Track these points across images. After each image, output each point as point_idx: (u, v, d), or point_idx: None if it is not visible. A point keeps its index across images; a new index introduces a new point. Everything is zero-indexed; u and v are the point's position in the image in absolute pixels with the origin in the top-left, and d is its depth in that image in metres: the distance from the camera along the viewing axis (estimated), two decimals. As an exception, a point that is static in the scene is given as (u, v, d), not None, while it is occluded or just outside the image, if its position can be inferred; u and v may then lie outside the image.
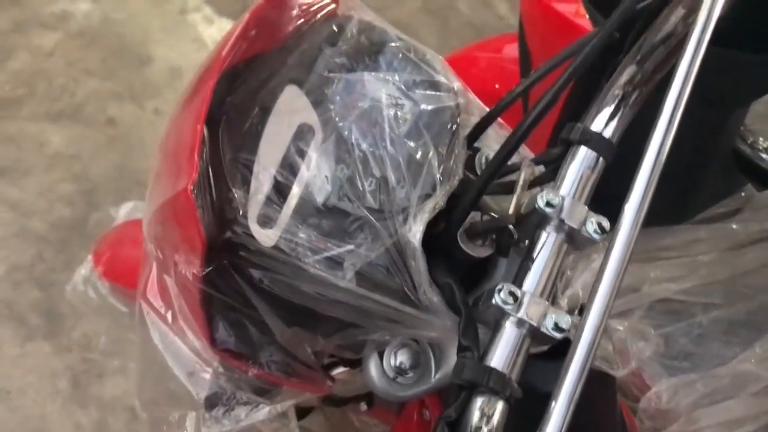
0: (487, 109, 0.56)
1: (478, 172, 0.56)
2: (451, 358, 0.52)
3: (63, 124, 1.93)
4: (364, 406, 0.73)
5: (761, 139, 1.87)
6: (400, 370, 0.51)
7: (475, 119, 0.54)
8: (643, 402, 1.08)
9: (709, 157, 1.27)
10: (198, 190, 0.42)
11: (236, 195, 0.44)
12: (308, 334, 0.49)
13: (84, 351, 1.55)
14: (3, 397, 1.52)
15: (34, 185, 1.80)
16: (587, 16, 1.20)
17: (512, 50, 1.61)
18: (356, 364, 0.57)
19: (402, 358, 0.51)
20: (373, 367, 0.51)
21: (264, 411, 0.51)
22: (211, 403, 0.51)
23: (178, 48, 2.14)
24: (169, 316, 0.49)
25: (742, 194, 1.43)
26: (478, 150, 0.56)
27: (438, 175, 0.48)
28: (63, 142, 1.89)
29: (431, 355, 0.52)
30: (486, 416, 0.44)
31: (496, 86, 1.64)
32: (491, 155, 0.56)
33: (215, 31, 2.19)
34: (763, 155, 1.90)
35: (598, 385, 0.58)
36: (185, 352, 0.50)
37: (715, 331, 1.19)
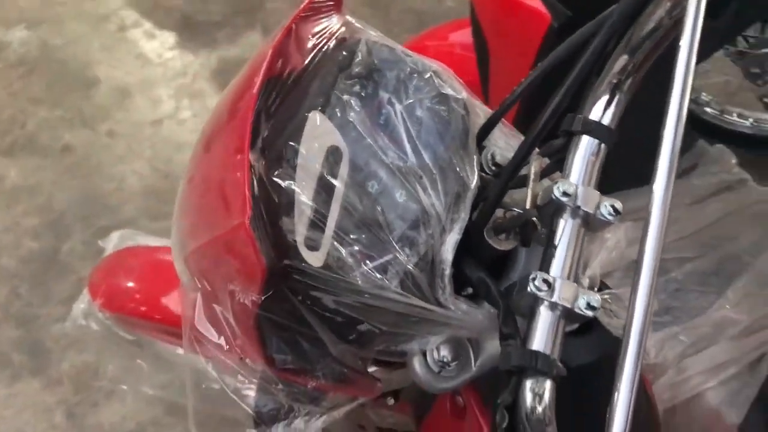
0: (489, 110, 0.59)
1: (486, 170, 0.59)
2: (488, 347, 0.55)
3: (18, 156, 1.90)
4: (391, 401, 0.76)
5: (704, 94, 1.96)
6: (442, 364, 0.54)
7: (480, 120, 0.58)
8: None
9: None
10: (252, 223, 0.44)
11: (285, 223, 0.46)
12: (359, 345, 0.52)
13: (75, 382, 1.55)
14: (-2, 440, 1.51)
15: (-3, 222, 1.78)
16: (539, -3, 1.24)
17: (459, 36, 1.65)
18: (393, 363, 0.61)
19: (444, 352, 0.54)
20: (418, 365, 0.54)
21: (321, 419, 0.54)
22: (271, 419, 0.53)
23: (122, 66, 2.12)
24: (223, 342, 0.51)
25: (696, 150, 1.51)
26: (483, 148, 0.60)
27: (463, 177, 0.52)
28: (20, 174, 1.87)
29: (469, 346, 0.55)
30: (538, 396, 0.47)
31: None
32: (497, 152, 0.59)
33: (157, 45, 2.18)
34: (707, 109, 1.99)
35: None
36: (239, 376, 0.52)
37: (691, 284, 1.26)
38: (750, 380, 1.13)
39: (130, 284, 1.01)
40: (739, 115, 2.00)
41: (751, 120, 1.98)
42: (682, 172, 1.42)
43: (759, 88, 1.75)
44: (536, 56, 1.21)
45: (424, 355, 0.54)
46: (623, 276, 1.17)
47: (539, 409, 0.47)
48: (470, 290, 0.55)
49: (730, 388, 1.13)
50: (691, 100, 2.09)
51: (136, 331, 1.00)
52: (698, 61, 0.53)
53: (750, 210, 1.39)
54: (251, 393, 0.53)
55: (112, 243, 1.08)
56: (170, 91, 2.04)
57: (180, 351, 1.01)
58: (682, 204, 1.36)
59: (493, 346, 0.55)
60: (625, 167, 0.78)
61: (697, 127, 1.89)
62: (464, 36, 1.61)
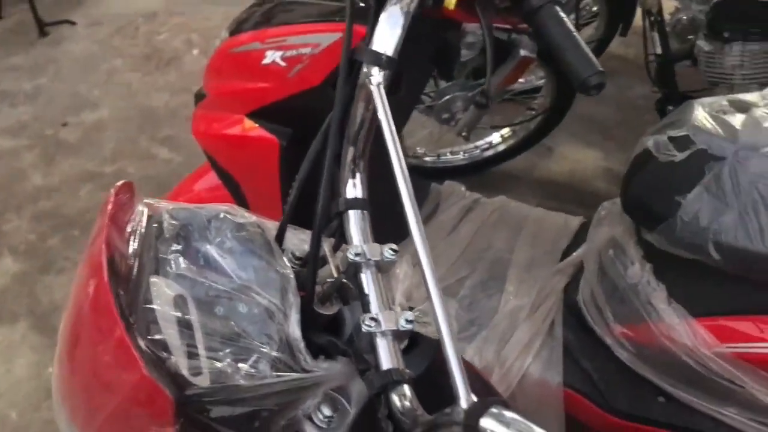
0: (275, 222, 0.75)
1: (291, 264, 0.75)
2: (354, 389, 0.70)
3: None
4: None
5: (418, 148, 2.31)
6: (328, 419, 0.68)
7: (272, 231, 0.73)
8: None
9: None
10: (148, 373, 0.55)
11: (170, 364, 0.58)
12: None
13: None
14: None
15: None
16: (257, 126, 1.46)
17: (202, 183, 1.83)
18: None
19: (325, 411, 0.67)
20: (309, 428, 0.67)
21: None
22: None
23: None
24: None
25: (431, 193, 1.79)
26: (283, 250, 0.75)
27: (282, 273, 0.67)
28: None
29: (340, 397, 0.69)
30: (403, 396, 0.63)
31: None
32: (294, 249, 0.76)
33: None
34: (427, 159, 2.35)
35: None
36: None
37: (477, 294, 1.49)
38: (553, 343, 1.37)
39: None
40: (452, 153, 2.38)
41: (461, 153, 2.37)
42: (431, 213, 1.68)
43: (454, 127, 2.11)
44: (279, 171, 1.41)
45: (311, 418, 0.67)
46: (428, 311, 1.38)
47: (407, 403, 0.62)
48: (323, 356, 0.69)
49: (542, 357, 1.36)
50: (412, 157, 2.44)
51: None
52: (399, 128, 0.74)
53: (491, 220, 1.68)
54: None
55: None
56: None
57: None
58: (442, 238, 1.61)
59: (356, 387, 0.70)
60: (391, 226, 0.97)
61: (426, 175, 2.23)
62: (206, 181, 1.79)
